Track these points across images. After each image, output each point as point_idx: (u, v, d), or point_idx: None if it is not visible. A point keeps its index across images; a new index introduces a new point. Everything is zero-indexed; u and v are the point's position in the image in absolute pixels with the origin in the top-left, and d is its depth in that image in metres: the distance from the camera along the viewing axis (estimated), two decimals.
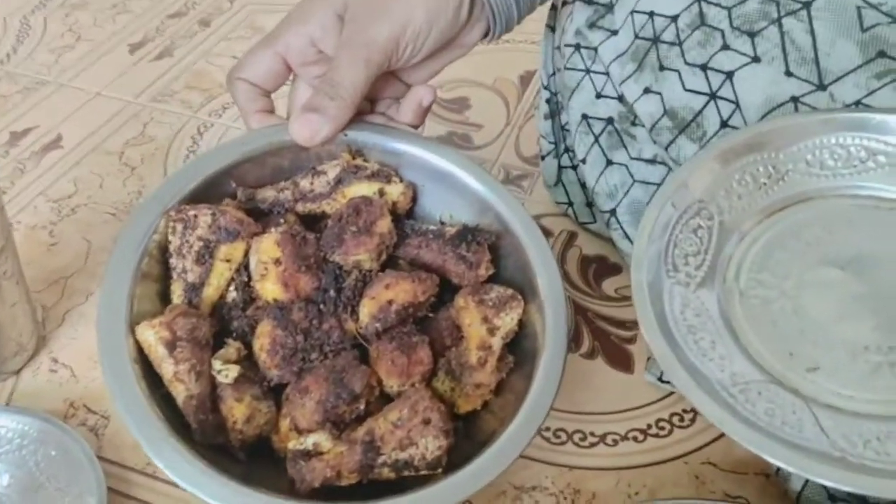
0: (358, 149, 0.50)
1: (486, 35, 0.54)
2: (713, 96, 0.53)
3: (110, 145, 0.75)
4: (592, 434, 0.51)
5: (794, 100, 0.51)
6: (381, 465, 0.41)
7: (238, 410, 0.42)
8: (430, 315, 0.47)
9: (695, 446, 0.50)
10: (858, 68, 0.49)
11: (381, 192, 0.49)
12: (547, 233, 0.65)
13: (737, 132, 0.51)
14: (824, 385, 0.44)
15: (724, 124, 0.53)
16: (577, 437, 0.51)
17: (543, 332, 0.45)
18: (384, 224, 0.46)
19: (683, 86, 0.54)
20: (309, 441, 0.41)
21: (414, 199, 0.51)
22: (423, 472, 0.41)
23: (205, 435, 0.42)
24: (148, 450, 0.39)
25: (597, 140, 0.61)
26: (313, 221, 0.49)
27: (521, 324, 0.46)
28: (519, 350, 0.46)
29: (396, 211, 0.50)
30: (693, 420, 0.51)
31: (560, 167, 0.66)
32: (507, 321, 0.45)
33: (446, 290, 0.48)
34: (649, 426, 0.51)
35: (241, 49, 0.86)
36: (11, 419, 0.49)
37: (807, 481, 0.45)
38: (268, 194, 0.50)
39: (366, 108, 0.54)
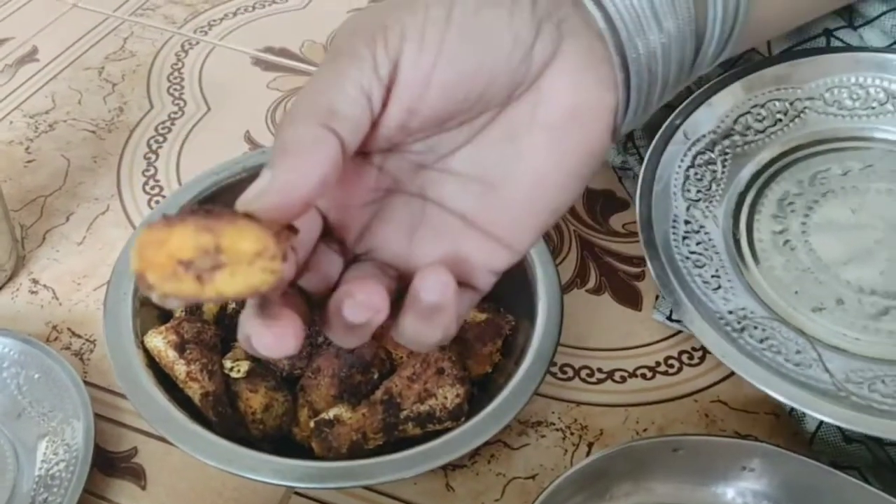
0: None
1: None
2: None
3: (89, 60, 0.71)
4: (600, 370, 0.49)
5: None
6: (405, 421, 0.41)
7: (255, 401, 0.43)
8: None
9: (704, 384, 0.48)
10: None
11: None
12: None
13: (765, 61, 0.50)
14: (829, 326, 0.43)
15: None
16: (583, 374, 0.49)
17: (535, 282, 0.46)
18: None
19: None
20: (330, 413, 0.41)
21: None
22: (447, 424, 0.41)
23: (225, 427, 0.42)
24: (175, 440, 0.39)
25: None
26: None
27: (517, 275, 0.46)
28: (517, 309, 0.47)
29: None
30: (703, 358, 0.50)
31: None
32: None
33: None
34: (658, 364, 0.50)
35: None
36: None
37: (821, 422, 0.44)
38: None
39: None
